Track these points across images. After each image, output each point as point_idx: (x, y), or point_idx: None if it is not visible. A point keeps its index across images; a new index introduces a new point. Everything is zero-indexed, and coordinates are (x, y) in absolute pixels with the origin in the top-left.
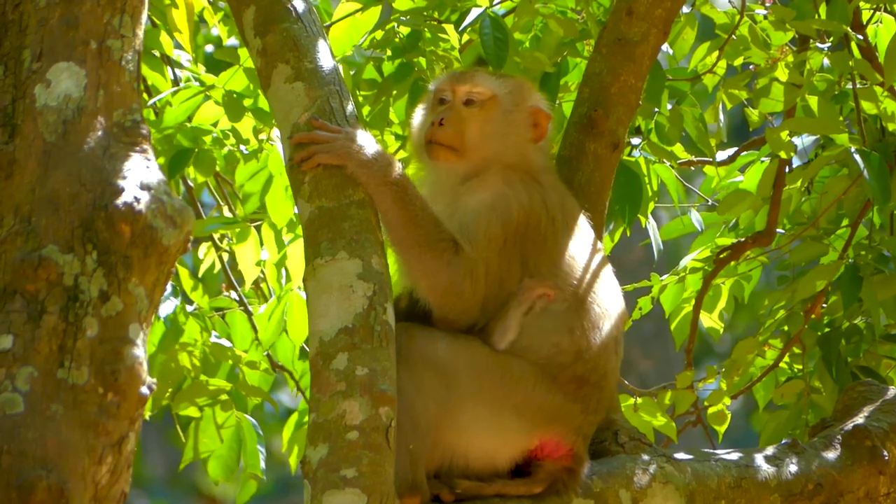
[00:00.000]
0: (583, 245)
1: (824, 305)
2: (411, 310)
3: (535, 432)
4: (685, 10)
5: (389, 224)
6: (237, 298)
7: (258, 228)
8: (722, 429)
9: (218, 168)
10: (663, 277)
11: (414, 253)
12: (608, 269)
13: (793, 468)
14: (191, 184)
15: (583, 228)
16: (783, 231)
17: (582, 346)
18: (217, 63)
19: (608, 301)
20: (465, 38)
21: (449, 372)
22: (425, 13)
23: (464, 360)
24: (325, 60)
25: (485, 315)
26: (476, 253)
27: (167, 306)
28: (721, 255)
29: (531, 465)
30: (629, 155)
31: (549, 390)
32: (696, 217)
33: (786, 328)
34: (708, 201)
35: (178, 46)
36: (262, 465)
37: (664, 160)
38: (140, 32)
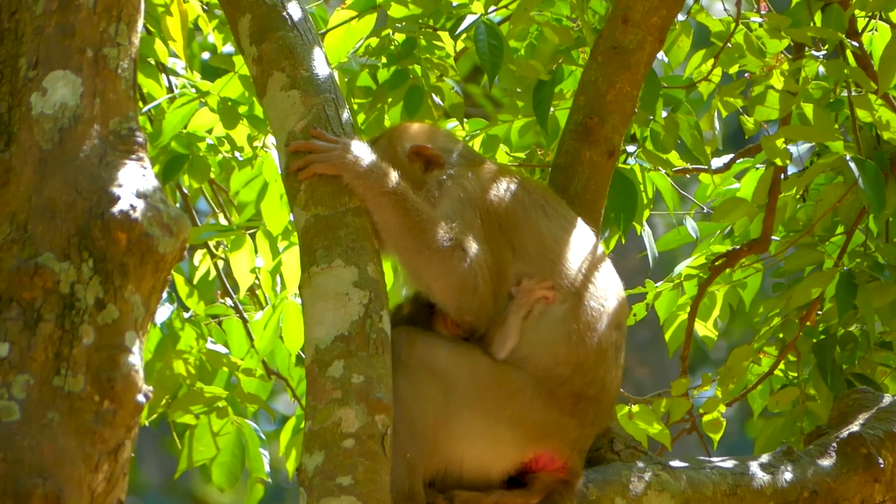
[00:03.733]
0: (567, 227)
1: (819, 313)
2: (414, 317)
3: (529, 446)
4: (680, 17)
5: (392, 233)
6: (233, 305)
7: (253, 236)
8: (717, 436)
9: (213, 175)
10: (658, 284)
11: (424, 257)
12: (606, 262)
13: (788, 476)
14: (186, 191)
15: (561, 211)
16: (778, 238)
17: (580, 356)
18: (213, 70)
19: (606, 294)
20: (461, 45)
21: (448, 379)
22: (420, 20)
23: (464, 369)
24: (321, 68)
25: (496, 311)
26: (476, 245)
27: (163, 312)
28: (716, 263)
29: (526, 477)
30: (624, 162)
31: (546, 405)
32: (691, 225)
33: (781, 335)
34: (703, 209)
35: (174, 54)
36: (267, 468)
37: (659, 168)
38: (136, 41)
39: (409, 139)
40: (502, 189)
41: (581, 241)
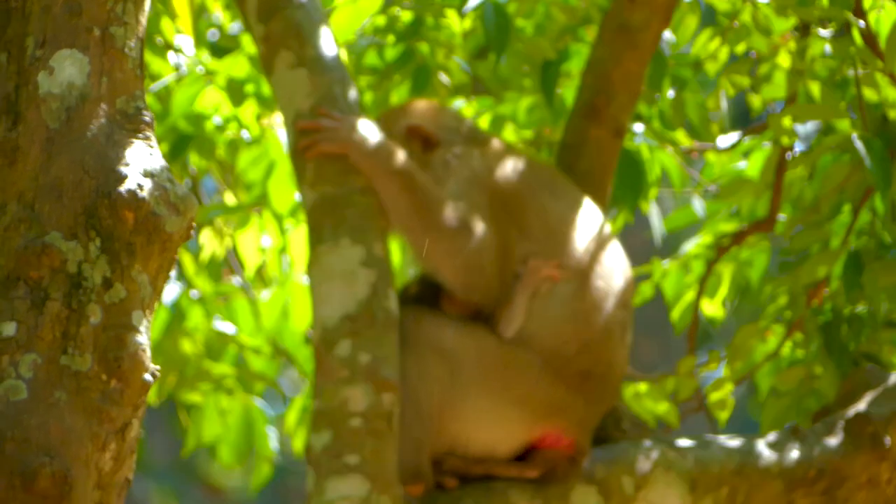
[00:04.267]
0: (574, 207)
1: (826, 292)
2: (422, 296)
3: (536, 425)
4: None
5: (399, 212)
6: (240, 284)
7: (260, 214)
8: (724, 415)
9: (220, 154)
10: (665, 263)
11: (430, 236)
12: (613, 241)
13: (794, 454)
14: (193, 170)
15: (568, 191)
16: (785, 217)
17: (586, 335)
18: (220, 49)
19: (613, 273)
20: (468, 23)
21: (455, 359)
22: None
23: (470, 348)
24: (328, 47)
25: (502, 291)
26: (483, 225)
27: (171, 292)
28: (723, 242)
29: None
30: (631, 141)
31: (553, 383)
32: (698, 204)
33: (787, 314)
34: (710, 188)
35: (181, 32)
36: (276, 445)
37: (666, 146)
38: (143, 19)
39: (406, 117)
40: (508, 168)
41: (588, 221)
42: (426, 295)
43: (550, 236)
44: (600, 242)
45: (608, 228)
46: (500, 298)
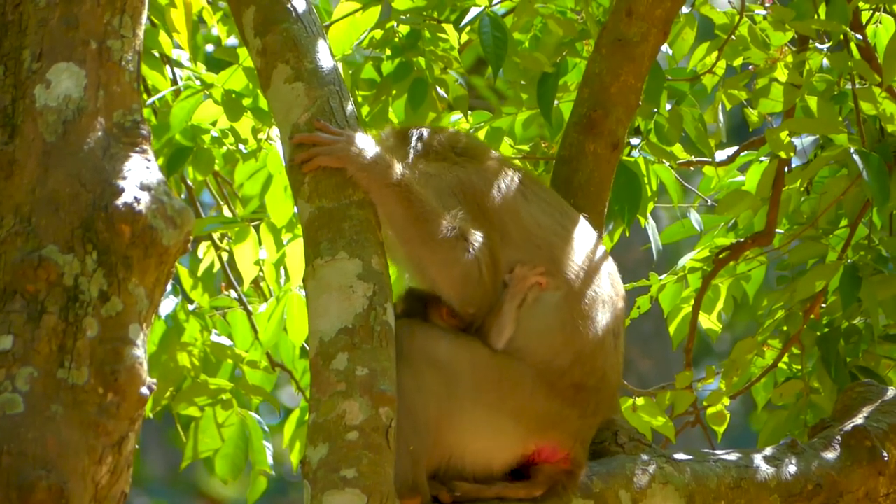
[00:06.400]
0: (548, 210)
1: (823, 306)
2: (409, 313)
3: (531, 437)
4: (685, 10)
5: (396, 224)
6: (237, 298)
7: (257, 228)
8: (721, 429)
9: (217, 167)
10: (662, 277)
11: (428, 248)
12: (597, 245)
13: (792, 468)
14: (190, 183)
15: (541, 194)
16: (782, 231)
17: (577, 345)
18: (217, 62)
19: (600, 279)
20: (465, 37)
21: (449, 371)
22: (424, 13)
23: (464, 361)
24: (325, 60)
25: (496, 299)
26: (479, 236)
27: (168, 305)
28: (720, 255)
29: (529, 469)
30: (629, 155)
31: (547, 396)
32: (695, 217)
33: (785, 328)
34: (707, 201)
35: (178, 46)
36: (270, 460)
37: (664, 160)
38: (140, 33)
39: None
40: (476, 176)
41: (566, 224)
42: (413, 311)
43: (529, 241)
44: (584, 247)
45: (596, 237)
46: (493, 300)
